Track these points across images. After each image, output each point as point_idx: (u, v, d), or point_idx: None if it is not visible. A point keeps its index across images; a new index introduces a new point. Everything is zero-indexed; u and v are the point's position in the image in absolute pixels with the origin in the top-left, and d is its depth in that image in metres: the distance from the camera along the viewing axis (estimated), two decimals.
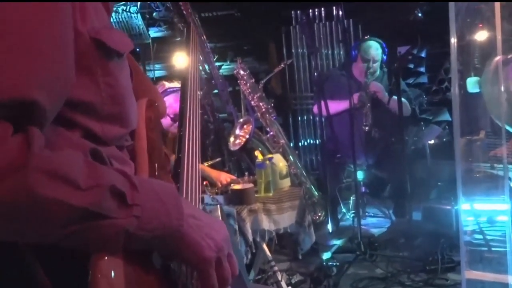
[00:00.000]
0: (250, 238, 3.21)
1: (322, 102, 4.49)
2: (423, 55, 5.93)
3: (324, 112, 4.55)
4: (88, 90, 0.95)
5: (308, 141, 6.86)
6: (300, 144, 6.78)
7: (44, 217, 0.79)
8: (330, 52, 6.70)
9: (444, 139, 5.89)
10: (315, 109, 4.92)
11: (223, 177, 3.57)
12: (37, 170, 0.77)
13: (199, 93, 1.56)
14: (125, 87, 1.05)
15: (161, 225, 0.91)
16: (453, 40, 3.22)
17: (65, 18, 0.88)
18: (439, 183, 5.77)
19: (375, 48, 5.00)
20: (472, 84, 3.95)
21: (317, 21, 6.66)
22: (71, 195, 0.79)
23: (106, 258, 0.86)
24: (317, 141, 6.74)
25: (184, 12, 1.77)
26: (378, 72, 5.06)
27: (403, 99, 4.65)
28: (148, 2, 5.74)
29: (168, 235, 0.92)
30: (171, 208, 0.93)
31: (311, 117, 6.66)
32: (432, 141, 6.00)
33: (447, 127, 5.88)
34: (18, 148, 0.77)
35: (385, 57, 5.07)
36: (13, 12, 0.80)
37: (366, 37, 5.48)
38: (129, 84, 1.10)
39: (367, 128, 4.85)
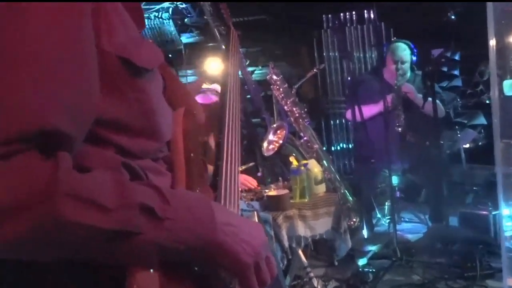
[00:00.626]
0: (286, 244, 3.20)
1: (356, 108, 4.45)
2: (457, 57, 5.86)
3: (358, 118, 4.51)
4: (117, 108, 0.94)
5: (341, 145, 6.82)
6: (333, 148, 6.75)
7: (75, 241, 0.80)
8: (362, 55, 6.67)
9: (480, 143, 5.81)
10: (348, 115, 4.89)
11: (247, 181, 3.57)
12: (64, 197, 0.77)
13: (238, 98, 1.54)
14: (155, 100, 1.04)
15: (194, 236, 0.91)
16: (492, 43, 3.17)
17: (87, 43, 0.87)
18: (475, 188, 5.70)
19: (402, 49, 4.95)
20: (508, 86, 3.89)
21: (348, 25, 6.63)
22: (99, 218, 0.80)
23: (142, 269, 0.87)
24: (350, 145, 6.71)
25: (225, 15, 1.77)
26: (409, 74, 5.02)
27: (437, 101, 4.60)
28: (180, 9, 5.77)
29: (202, 245, 0.92)
30: (203, 218, 0.93)
31: (343, 121, 6.63)
32: (467, 145, 5.92)
33: (482, 130, 5.79)
34: (46, 175, 0.77)
35: (414, 58, 5.03)
36: (35, 42, 0.80)
37: (393, 39, 5.45)
38: (160, 97, 1.09)
39: (400, 129, 4.79)
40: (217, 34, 3.52)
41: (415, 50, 5.02)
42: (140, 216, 0.84)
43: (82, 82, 0.85)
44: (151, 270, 0.88)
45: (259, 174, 4.11)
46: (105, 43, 0.91)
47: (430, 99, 4.51)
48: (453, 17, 5.92)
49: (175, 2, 5.65)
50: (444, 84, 5.80)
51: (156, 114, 1.02)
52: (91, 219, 0.79)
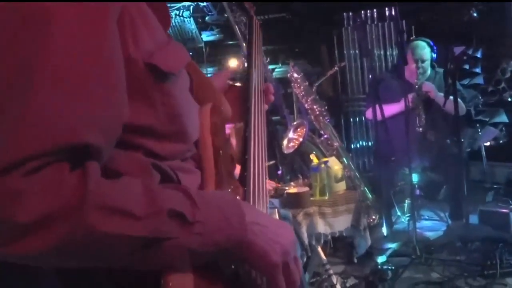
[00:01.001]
0: (306, 241, 3.22)
1: (377, 107, 4.44)
2: (478, 55, 5.81)
3: (378, 117, 4.51)
4: (145, 113, 0.95)
5: (361, 143, 6.82)
6: (352, 146, 6.74)
7: (107, 251, 0.82)
8: (382, 53, 6.65)
9: (501, 141, 5.77)
10: (369, 114, 4.89)
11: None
12: (94, 208, 0.78)
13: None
14: (182, 102, 1.04)
15: (224, 237, 0.92)
16: None
17: (114, 54, 0.88)
18: (495, 186, 5.67)
19: (422, 47, 4.95)
20: None
21: (369, 22, 6.62)
22: (130, 227, 0.81)
23: (176, 274, 0.88)
24: (370, 143, 6.70)
25: (247, 5, 1.78)
26: (429, 72, 5.01)
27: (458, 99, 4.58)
28: (200, 7, 5.80)
29: (233, 246, 0.93)
30: (233, 219, 0.93)
31: (363, 119, 6.62)
32: (488, 143, 5.89)
33: (503, 128, 5.75)
34: (75, 187, 0.78)
35: (434, 56, 5.02)
36: (61, 56, 0.81)
37: (412, 37, 5.43)
38: (187, 96, 1.09)
39: (420, 129, 4.79)
40: (238, 31, 3.55)
41: (435, 48, 5.01)
42: (170, 222, 0.85)
43: (110, 94, 0.86)
44: (186, 272, 0.89)
45: (279, 172, 4.13)
46: (131, 51, 0.92)
47: (451, 97, 4.50)
48: (475, 14, 5.88)
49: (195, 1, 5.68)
50: (466, 81, 5.76)
51: (183, 117, 1.03)
52: (122, 229, 0.80)
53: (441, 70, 5.09)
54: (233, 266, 0.99)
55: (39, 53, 0.79)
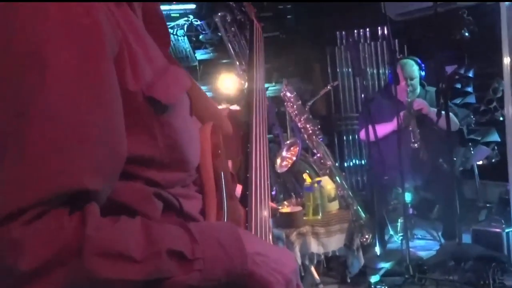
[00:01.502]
0: (299, 261, 3.22)
1: (370, 127, 4.46)
2: (470, 74, 5.85)
3: (372, 137, 4.52)
4: (145, 144, 0.94)
5: (354, 161, 6.83)
6: (345, 164, 6.75)
7: None
8: (375, 71, 6.69)
9: (493, 160, 5.79)
10: (362, 134, 4.91)
11: None
12: (93, 253, 0.78)
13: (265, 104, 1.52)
14: (183, 131, 1.03)
15: (225, 271, 0.91)
16: (506, 61, 3.20)
17: (111, 92, 0.87)
18: (488, 205, 5.68)
19: (410, 65, 4.99)
20: None
21: (362, 41, 6.67)
22: (129, 271, 0.81)
23: None
24: (363, 162, 6.71)
25: (247, 9, 1.77)
26: (418, 90, 5.04)
27: (450, 114, 4.60)
28: (195, 25, 5.82)
29: (234, 279, 0.93)
30: (233, 251, 0.93)
31: (356, 137, 6.64)
32: (480, 162, 5.91)
33: (495, 147, 5.77)
34: (74, 232, 0.78)
35: (423, 74, 5.06)
36: (52, 96, 0.79)
37: (399, 56, 5.47)
38: (187, 123, 1.08)
39: (416, 145, 4.80)
40: (231, 50, 3.56)
41: (423, 66, 5.06)
42: (169, 262, 0.85)
43: (108, 137, 0.86)
44: None
45: (273, 192, 4.13)
46: (130, 84, 0.91)
47: (443, 112, 4.52)
48: (466, 34, 5.93)
49: (189, 19, 5.70)
50: (458, 101, 5.79)
51: (184, 146, 1.02)
52: (121, 273, 0.80)
53: (431, 89, 5.13)
54: None
55: (34, 99, 0.78)
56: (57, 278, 0.76)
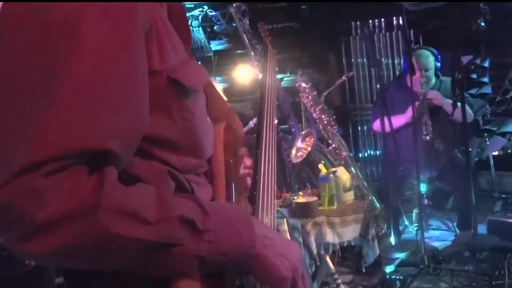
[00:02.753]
0: (315, 251, 3.23)
1: (385, 118, 4.45)
2: (486, 65, 5.82)
3: (387, 129, 4.51)
4: (165, 126, 0.98)
5: (369, 152, 6.83)
6: (360, 155, 6.76)
7: (118, 252, 0.84)
8: (390, 62, 6.67)
9: (509, 151, 5.76)
10: (376, 126, 4.91)
11: None
12: (109, 210, 0.81)
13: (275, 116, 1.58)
14: (200, 119, 1.07)
15: (233, 247, 0.93)
16: None
17: (138, 64, 0.90)
18: (504, 195, 5.67)
19: (425, 57, 4.95)
20: None
21: (377, 32, 6.65)
22: (141, 231, 0.83)
23: (185, 280, 0.90)
24: (378, 152, 6.71)
25: (262, 34, 1.81)
26: (433, 81, 5.02)
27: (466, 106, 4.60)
28: (209, 16, 5.84)
29: (241, 257, 0.95)
30: (242, 230, 0.95)
31: (371, 127, 6.64)
32: (496, 153, 5.89)
33: (511, 138, 5.75)
34: (92, 189, 0.81)
35: (438, 65, 5.03)
36: (85, 63, 0.83)
37: (416, 46, 5.44)
38: (204, 114, 1.12)
39: (428, 137, 4.79)
40: (246, 40, 3.58)
41: (439, 57, 5.02)
42: (181, 229, 0.87)
43: (133, 104, 0.89)
44: (194, 281, 0.91)
45: (288, 180, 4.14)
46: (156, 64, 0.94)
47: (459, 104, 4.50)
48: (483, 24, 5.90)
49: (204, 10, 5.71)
50: (474, 91, 5.76)
51: (200, 133, 1.06)
52: (134, 232, 0.83)
53: (446, 79, 5.10)
54: (240, 278, 1.01)
55: (67, 60, 0.82)
56: (71, 230, 0.79)
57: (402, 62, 5.77)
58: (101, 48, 0.84)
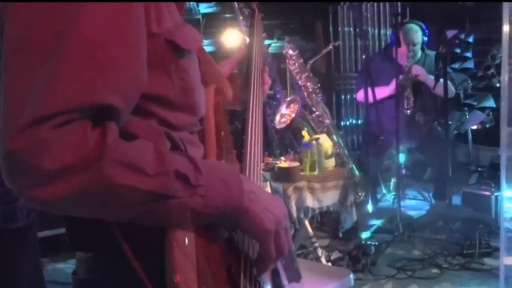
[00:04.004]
0: (294, 214, 3.33)
1: (369, 90, 4.52)
2: (470, 40, 5.90)
3: (370, 99, 4.59)
4: (162, 84, 1.06)
5: (351, 120, 6.91)
6: (342, 123, 6.84)
7: (118, 200, 0.92)
8: (376, 32, 6.71)
9: (487, 125, 5.89)
10: (359, 96, 4.99)
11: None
12: (111, 161, 0.88)
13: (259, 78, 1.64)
14: (194, 79, 1.15)
15: (224, 201, 1.00)
16: (505, 28, 3.25)
17: (137, 25, 0.98)
18: (479, 169, 5.80)
19: (414, 31, 5.02)
20: None
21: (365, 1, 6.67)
22: (140, 181, 0.90)
23: (180, 231, 0.98)
24: (360, 121, 6.79)
25: None
26: (419, 54, 5.09)
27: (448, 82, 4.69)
28: None
29: (231, 210, 1.02)
30: (232, 186, 1.02)
31: (354, 97, 6.71)
32: (474, 127, 6.01)
33: (490, 113, 5.86)
34: (96, 141, 0.88)
35: (426, 39, 5.09)
36: (88, 24, 0.90)
37: (405, 20, 5.49)
38: (198, 76, 1.20)
39: (408, 111, 4.88)
40: (236, 5, 3.60)
41: (427, 31, 5.09)
42: (175, 182, 0.94)
43: (132, 62, 0.96)
44: (188, 232, 0.99)
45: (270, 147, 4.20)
46: (154, 27, 1.02)
47: (441, 80, 4.59)
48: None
49: None
50: (456, 65, 5.85)
51: (195, 91, 1.15)
52: (133, 181, 0.90)
53: (431, 53, 5.16)
54: (229, 231, 1.09)
55: (71, 21, 0.89)
56: (76, 179, 0.87)
57: (389, 33, 5.79)
58: (102, 11, 0.92)
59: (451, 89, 4.87)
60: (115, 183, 0.88)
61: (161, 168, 0.93)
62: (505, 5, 3.29)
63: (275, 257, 1.09)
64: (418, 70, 4.91)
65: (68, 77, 0.88)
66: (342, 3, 6.72)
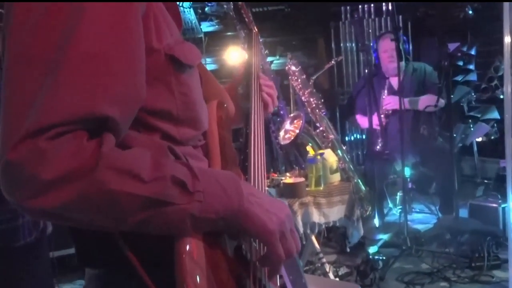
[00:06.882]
0: (301, 230, 3.32)
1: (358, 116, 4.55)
2: (472, 52, 5.89)
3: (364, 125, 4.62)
4: (164, 99, 1.08)
5: (355, 135, 6.91)
6: (346, 138, 6.83)
7: (115, 208, 0.92)
8: None
9: (492, 137, 5.87)
10: (360, 121, 5.06)
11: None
12: (106, 168, 0.89)
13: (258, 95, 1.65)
14: (196, 93, 1.17)
15: (223, 206, 1.00)
16: (507, 40, 3.26)
17: (136, 39, 0.99)
18: (486, 181, 5.78)
19: (388, 41, 4.98)
20: None
21: (366, 17, 6.70)
22: (136, 187, 0.91)
23: (188, 240, 0.98)
24: (364, 136, 6.79)
25: (246, 19, 1.85)
26: (403, 64, 5.04)
27: (433, 95, 4.77)
28: None
29: (231, 214, 1.01)
30: (230, 190, 1.02)
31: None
32: (479, 139, 5.99)
33: (495, 125, 5.85)
34: (92, 151, 0.89)
35: (406, 47, 5.10)
36: (87, 37, 0.92)
37: (381, 32, 5.52)
38: (200, 90, 1.21)
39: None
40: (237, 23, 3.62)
41: (404, 39, 5.09)
42: (172, 188, 0.94)
43: (130, 76, 0.97)
44: (197, 241, 0.99)
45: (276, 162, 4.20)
46: (154, 42, 1.04)
47: (423, 96, 4.64)
48: (470, 12, 5.97)
49: None
50: (459, 78, 5.84)
51: (197, 105, 1.16)
52: (129, 187, 0.90)
53: (420, 65, 5.19)
54: (234, 237, 1.09)
55: (71, 35, 0.91)
56: (73, 188, 0.88)
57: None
58: (101, 24, 0.94)
59: (441, 101, 4.88)
60: (111, 190, 0.89)
61: (157, 174, 0.94)
62: (506, 17, 3.30)
63: (284, 257, 1.08)
64: (389, 101, 4.97)
65: (65, 89, 0.90)
66: (343, 19, 6.76)
